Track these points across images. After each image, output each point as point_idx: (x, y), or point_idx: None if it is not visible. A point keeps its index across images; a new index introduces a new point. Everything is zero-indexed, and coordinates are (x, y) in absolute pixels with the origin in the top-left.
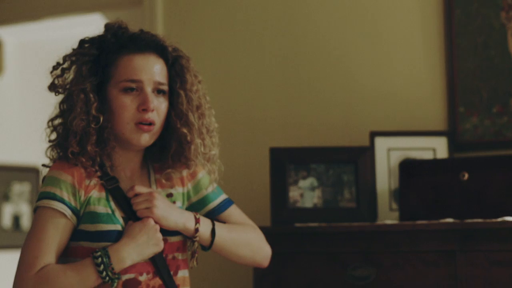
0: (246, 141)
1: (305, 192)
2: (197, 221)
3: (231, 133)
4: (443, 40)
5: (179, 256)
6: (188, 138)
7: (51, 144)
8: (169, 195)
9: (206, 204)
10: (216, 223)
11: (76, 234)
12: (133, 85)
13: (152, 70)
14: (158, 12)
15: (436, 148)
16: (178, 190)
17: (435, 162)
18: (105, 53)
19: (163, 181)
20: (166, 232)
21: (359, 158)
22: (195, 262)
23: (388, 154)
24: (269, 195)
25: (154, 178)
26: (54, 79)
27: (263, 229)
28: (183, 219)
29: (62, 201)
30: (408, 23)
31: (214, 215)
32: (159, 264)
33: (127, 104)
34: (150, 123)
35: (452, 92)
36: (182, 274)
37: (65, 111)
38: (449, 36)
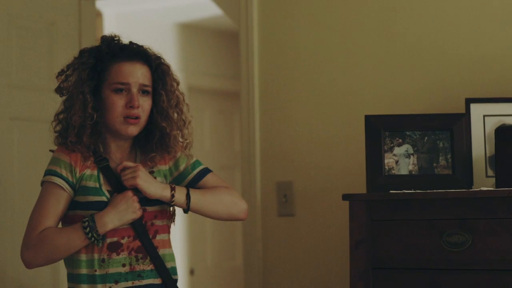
0: (342, 109)
1: (401, 159)
2: (172, 189)
3: (328, 102)
4: None
5: (158, 222)
6: (168, 130)
7: (56, 134)
8: (151, 172)
9: (185, 176)
10: (191, 189)
11: (73, 204)
12: (122, 87)
13: (137, 74)
14: None
15: None
16: (160, 168)
17: None
18: (101, 61)
19: (148, 162)
20: (145, 203)
21: (455, 125)
22: (173, 223)
23: (484, 121)
24: (365, 163)
25: (140, 159)
26: (60, 83)
27: (358, 196)
28: (160, 189)
29: (61, 176)
30: None
31: (194, 184)
32: (138, 229)
33: (117, 102)
34: (136, 117)
35: None
36: (161, 238)
37: (67, 108)
38: None
